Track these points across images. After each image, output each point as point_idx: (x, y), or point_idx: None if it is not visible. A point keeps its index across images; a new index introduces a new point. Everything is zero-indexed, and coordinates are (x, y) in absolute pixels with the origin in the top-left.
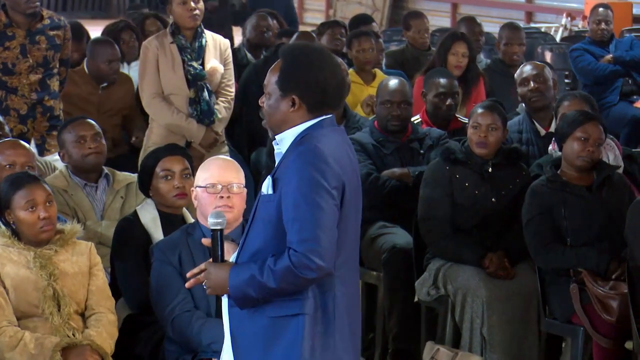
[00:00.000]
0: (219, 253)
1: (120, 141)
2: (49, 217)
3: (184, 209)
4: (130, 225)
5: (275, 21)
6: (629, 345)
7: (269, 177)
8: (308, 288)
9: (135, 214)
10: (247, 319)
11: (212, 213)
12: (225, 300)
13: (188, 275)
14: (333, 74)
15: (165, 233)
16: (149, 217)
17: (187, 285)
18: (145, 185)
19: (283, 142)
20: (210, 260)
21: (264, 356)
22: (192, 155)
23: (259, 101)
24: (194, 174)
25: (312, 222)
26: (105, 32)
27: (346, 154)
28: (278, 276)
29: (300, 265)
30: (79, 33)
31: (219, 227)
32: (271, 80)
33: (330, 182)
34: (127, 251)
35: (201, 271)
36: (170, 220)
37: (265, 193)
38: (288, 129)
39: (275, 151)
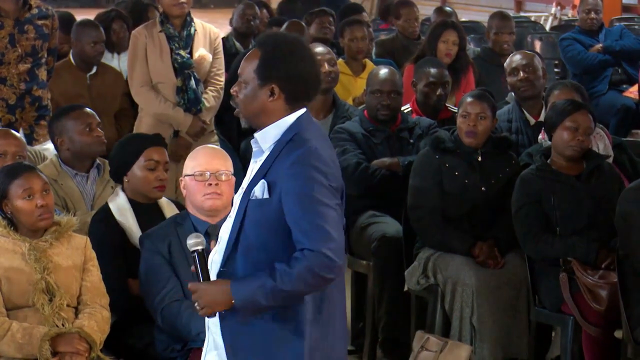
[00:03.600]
0: (203, 274)
1: (112, 137)
2: (47, 205)
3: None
4: (103, 224)
5: (265, 10)
6: (618, 334)
7: (262, 180)
8: None
9: (106, 208)
10: (243, 331)
11: (190, 235)
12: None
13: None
14: (312, 65)
15: (140, 222)
16: (121, 210)
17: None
18: (122, 172)
19: (264, 140)
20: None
21: None
22: (180, 144)
23: (231, 90)
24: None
25: (323, 222)
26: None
27: (333, 153)
28: (294, 278)
29: (320, 264)
30: (69, 25)
31: (199, 248)
32: (248, 68)
33: (332, 183)
34: (103, 248)
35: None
36: (145, 208)
37: (260, 197)
38: (266, 121)
39: (254, 149)
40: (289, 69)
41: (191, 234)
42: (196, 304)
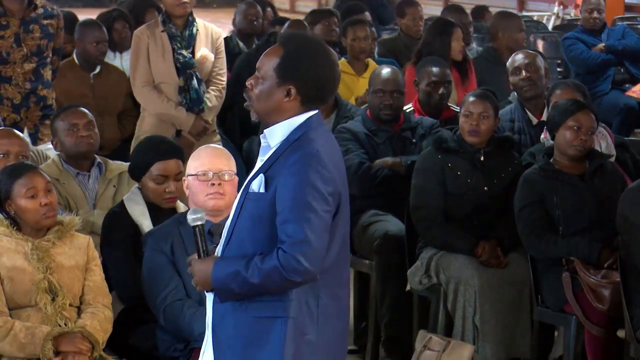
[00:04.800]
0: (202, 248)
1: (115, 137)
2: (51, 203)
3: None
4: (118, 218)
5: (269, 9)
6: (621, 333)
7: (261, 175)
8: (291, 291)
9: (122, 204)
10: (230, 316)
11: (191, 210)
12: (209, 296)
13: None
14: (332, 70)
15: (154, 222)
16: (137, 208)
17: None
18: (137, 176)
19: (272, 136)
20: (195, 256)
21: (245, 356)
22: (182, 144)
23: (247, 82)
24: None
25: (305, 225)
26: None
27: (339, 156)
28: (263, 274)
29: (288, 267)
30: (72, 24)
31: (198, 223)
32: (267, 65)
33: (328, 188)
34: (117, 245)
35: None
36: (159, 209)
37: (257, 191)
38: (277, 119)
39: (262, 144)
40: (309, 72)
41: (191, 209)
42: (192, 281)
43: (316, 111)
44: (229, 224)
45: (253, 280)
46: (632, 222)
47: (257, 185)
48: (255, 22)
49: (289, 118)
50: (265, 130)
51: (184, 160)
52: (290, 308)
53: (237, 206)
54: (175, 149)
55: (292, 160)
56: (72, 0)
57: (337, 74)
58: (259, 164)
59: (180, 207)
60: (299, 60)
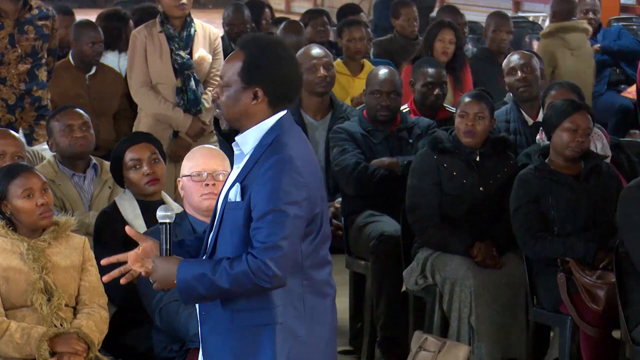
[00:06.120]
0: (167, 247)
1: (110, 138)
2: (47, 203)
3: (164, 193)
4: (110, 218)
5: (268, 9)
6: (616, 334)
7: (237, 184)
8: (276, 296)
9: (114, 205)
10: (217, 328)
11: (161, 207)
12: (197, 306)
13: (103, 262)
14: (295, 67)
15: (146, 221)
16: (128, 208)
17: (104, 279)
18: (119, 178)
19: (245, 143)
20: (157, 254)
21: None
22: (179, 145)
23: (212, 92)
24: (164, 159)
25: (276, 232)
26: (101, 18)
27: (313, 157)
28: (232, 278)
29: (258, 272)
30: (68, 11)
31: (167, 221)
32: (230, 70)
33: (301, 193)
34: (108, 245)
35: (119, 262)
36: (151, 207)
37: (233, 200)
38: (248, 124)
39: (235, 152)
40: (273, 72)
41: (162, 206)
42: (150, 278)
43: (285, 111)
44: (210, 235)
45: (222, 284)
46: (633, 220)
47: (234, 194)
48: (236, 31)
49: (260, 122)
50: (236, 138)
51: (160, 147)
52: (277, 314)
53: (218, 217)
54: (144, 135)
55: (266, 167)
56: (68, 1)
57: (301, 73)
58: (235, 172)
59: (167, 197)
60: (261, 61)
